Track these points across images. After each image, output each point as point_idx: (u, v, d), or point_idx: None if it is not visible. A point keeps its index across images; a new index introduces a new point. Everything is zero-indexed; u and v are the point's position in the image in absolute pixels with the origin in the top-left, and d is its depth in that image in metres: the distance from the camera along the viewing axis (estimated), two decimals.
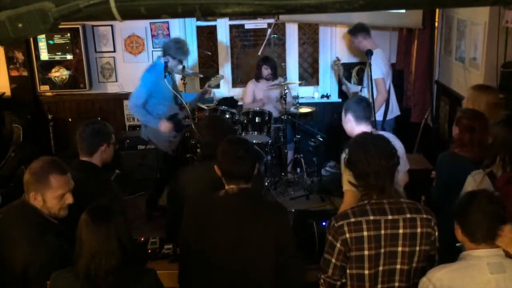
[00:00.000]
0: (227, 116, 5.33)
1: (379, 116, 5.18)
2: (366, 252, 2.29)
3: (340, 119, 3.49)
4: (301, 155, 5.88)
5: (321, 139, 6.03)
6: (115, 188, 3.12)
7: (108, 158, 3.13)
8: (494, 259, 2.19)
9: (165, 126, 4.87)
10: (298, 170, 6.02)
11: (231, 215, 2.52)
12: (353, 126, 3.35)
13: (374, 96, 5.08)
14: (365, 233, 2.28)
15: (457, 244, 2.45)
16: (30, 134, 6.00)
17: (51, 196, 2.56)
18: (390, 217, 2.30)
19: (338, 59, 5.81)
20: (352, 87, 5.72)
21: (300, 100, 6.10)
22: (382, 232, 2.29)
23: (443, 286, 2.18)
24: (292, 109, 5.79)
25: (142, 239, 3.77)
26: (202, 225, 2.57)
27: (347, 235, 2.29)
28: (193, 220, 2.62)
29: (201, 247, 2.56)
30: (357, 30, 5.29)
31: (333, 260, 2.33)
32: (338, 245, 2.31)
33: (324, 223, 3.32)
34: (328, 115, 6.38)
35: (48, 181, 2.55)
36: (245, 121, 5.40)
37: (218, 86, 6.45)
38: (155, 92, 4.80)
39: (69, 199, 2.61)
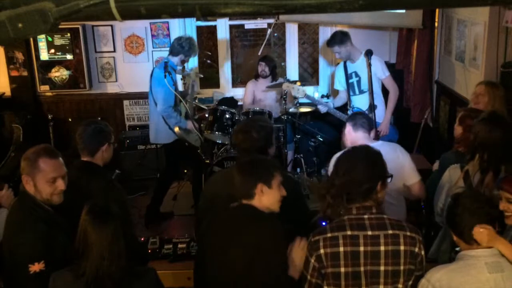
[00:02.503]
0: (227, 116, 5.33)
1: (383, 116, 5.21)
2: (342, 270, 2.18)
3: (338, 119, 3.53)
4: (301, 155, 5.88)
5: (321, 139, 6.02)
6: (119, 188, 3.12)
7: (109, 157, 3.13)
8: (492, 258, 2.20)
9: (191, 125, 4.97)
10: (298, 170, 6.01)
11: (224, 228, 2.50)
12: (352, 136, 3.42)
13: (376, 98, 5.09)
14: (341, 249, 2.17)
15: (456, 249, 2.45)
16: (30, 134, 6.00)
17: (42, 179, 2.57)
18: (370, 232, 2.18)
19: (287, 80, 5.34)
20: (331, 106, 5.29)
21: (300, 100, 6.09)
22: (361, 248, 2.17)
23: (442, 286, 2.18)
24: (292, 109, 5.78)
25: (142, 239, 3.78)
26: (208, 234, 2.58)
27: (322, 251, 2.19)
28: (204, 228, 2.65)
29: (207, 255, 2.56)
30: (345, 38, 5.02)
31: (308, 277, 2.25)
32: (312, 261, 2.22)
33: (324, 223, 3.32)
34: (328, 115, 6.37)
35: (37, 165, 2.57)
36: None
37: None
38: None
39: (61, 185, 2.61)
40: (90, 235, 2.22)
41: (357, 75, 5.11)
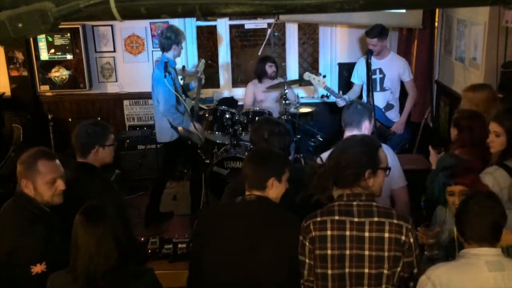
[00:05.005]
0: (227, 116, 5.33)
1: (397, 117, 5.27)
2: (329, 252, 2.29)
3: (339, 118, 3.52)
4: (301, 155, 5.87)
5: (321, 139, 6.02)
6: (115, 188, 3.11)
7: (106, 159, 3.11)
8: (493, 257, 2.19)
9: (197, 126, 4.93)
10: None
11: (240, 222, 2.49)
12: (345, 132, 3.35)
13: (394, 98, 5.18)
14: (329, 232, 2.29)
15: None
16: (30, 134, 6.00)
17: (41, 181, 2.59)
18: (356, 219, 2.28)
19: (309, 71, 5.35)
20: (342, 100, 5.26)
21: (300, 100, 6.09)
22: (347, 233, 2.27)
23: (441, 283, 2.18)
24: (292, 109, 5.78)
25: (142, 239, 3.77)
26: (211, 230, 2.54)
27: (313, 233, 2.31)
28: (204, 224, 2.61)
29: (208, 253, 2.52)
30: (385, 32, 5.04)
31: (307, 260, 2.34)
32: (307, 243, 2.33)
33: None
34: (328, 115, 6.38)
35: (36, 167, 2.59)
36: (245, 121, 5.40)
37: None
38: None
39: (61, 185, 2.64)
40: (79, 235, 2.23)
41: (381, 72, 5.12)
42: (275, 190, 2.52)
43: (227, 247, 2.48)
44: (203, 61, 5.47)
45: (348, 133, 3.29)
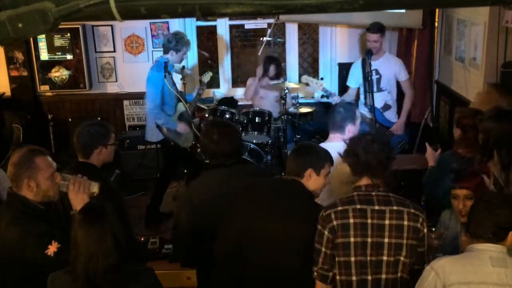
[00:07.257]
0: (227, 116, 5.33)
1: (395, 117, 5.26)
2: (352, 239, 2.36)
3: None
4: None
5: (321, 139, 6.02)
6: (115, 188, 3.12)
7: (107, 159, 3.13)
8: (497, 254, 2.20)
9: (183, 128, 4.96)
10: None
11: (268, 194, 2.66)
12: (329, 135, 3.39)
13: (392, 98, 5.17)
14: (351, 220, 2.36)
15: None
16: (30, 134, 6.00)
17: (43, 177, 2.61)
18: (376, 207, 2.37)
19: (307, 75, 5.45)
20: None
21: (300, 100, 6.09)
22: (369, 221, 2.36)
23: (445, 273, 2.20)
24: (292, 109, 5.78)
25: (142, 239, 3.78)
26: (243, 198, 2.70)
27: (334, 222, 2.38)
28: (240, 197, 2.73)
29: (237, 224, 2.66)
30: (384, 30, 5.07)
31: (323, 249, 2.41)
32: (326, 232, 2.39)
33: None
34: (328, 115, 6.37)
35: (36, 164, 2.60)
36: (245, 121, 5.40)
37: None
38: (164, 91, 4.82)
39: (57, 177, 2.68)
40: (78, 235, 2.23)
41: (378, 73, 5.12)
42: (313, 182, 2.65)
43: (252, 215, 2.61)
44: (210, 73, 5.50)
45: (331, 136, 3.31)
